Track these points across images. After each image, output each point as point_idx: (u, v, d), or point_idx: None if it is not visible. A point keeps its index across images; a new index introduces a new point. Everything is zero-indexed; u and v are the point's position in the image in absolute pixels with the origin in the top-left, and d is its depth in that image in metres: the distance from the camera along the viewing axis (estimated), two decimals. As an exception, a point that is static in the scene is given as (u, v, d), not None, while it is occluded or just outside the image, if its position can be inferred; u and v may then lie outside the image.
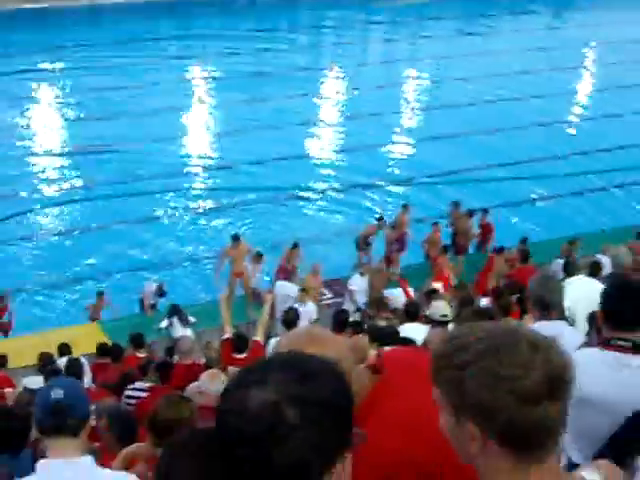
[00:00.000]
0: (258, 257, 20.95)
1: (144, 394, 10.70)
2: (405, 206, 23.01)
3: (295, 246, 21.23)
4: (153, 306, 20.33)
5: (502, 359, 2.33)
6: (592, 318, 7.31)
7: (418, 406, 2.95)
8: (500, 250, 20.21)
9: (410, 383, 2.99)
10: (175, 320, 18.11)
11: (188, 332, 17.21)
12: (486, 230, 23.12)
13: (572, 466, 3.82)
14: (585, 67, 40.54)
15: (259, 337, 12.07)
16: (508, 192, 26.64)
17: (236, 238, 20.89)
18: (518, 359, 2.32)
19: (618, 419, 4.29)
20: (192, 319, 18.37)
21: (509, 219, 24.95)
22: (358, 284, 19.84)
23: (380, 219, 22.79)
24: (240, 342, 12.05)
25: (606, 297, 4.88)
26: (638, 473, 2.51)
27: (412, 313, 12.28)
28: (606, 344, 4.75)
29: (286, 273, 20.71)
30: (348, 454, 2.17)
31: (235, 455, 2.10)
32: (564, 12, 50.17)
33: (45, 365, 13.89)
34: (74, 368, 12.31)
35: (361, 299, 19.65)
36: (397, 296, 18.64)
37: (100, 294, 20.03)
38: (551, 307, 6.51)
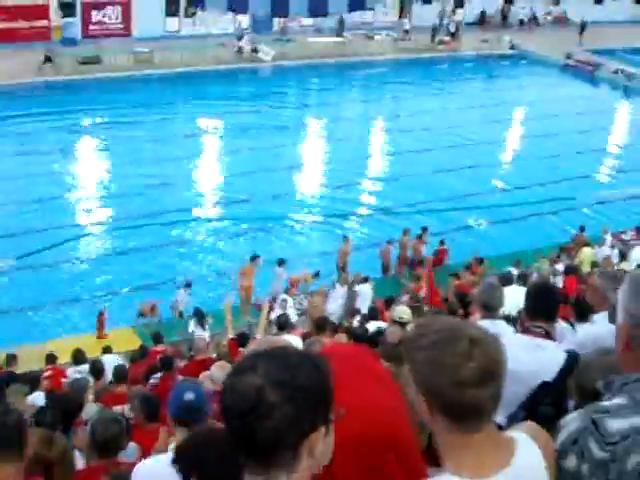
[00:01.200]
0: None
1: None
2: (405, 230, 23.60)
3: (316, 275, 21.69)
4: (180, 313, 20.33)
5: (446, 350, 2.36)
6: (519, 315, 7.44)
7: (365, 393, 2.97)
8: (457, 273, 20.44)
9: (352, 373, 3.00)
10: (195, 321, 18.06)
11: (205, 334, 17.23)
12: (441, 254, 23.28)
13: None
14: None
15: (259, 335, 12.07)
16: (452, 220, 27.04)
17: (255, 257, 20.96)
18: (458, 350, 2.35)
19: (530, 388, 4.39)
20: (209, 320, 18.31)
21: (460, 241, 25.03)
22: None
23: (346, 237, 22.86)
24: (243, 339, 12.07)
25: (526, 296, 5.06)
26: (563, 431, 2.55)
27: (372, 315, 12.82)
28: (524, 330, 4.88)
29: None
30: (325, 427, 2.22)
31: (228, 427, 2.18)
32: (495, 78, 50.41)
33: (77, 361, 14.11)
34: (121, 371, 12.24)
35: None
36: (366, 292, 19.08)
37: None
38: (493, 309, 6.58)
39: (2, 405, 7.95)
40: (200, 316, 17.97)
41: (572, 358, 4.53)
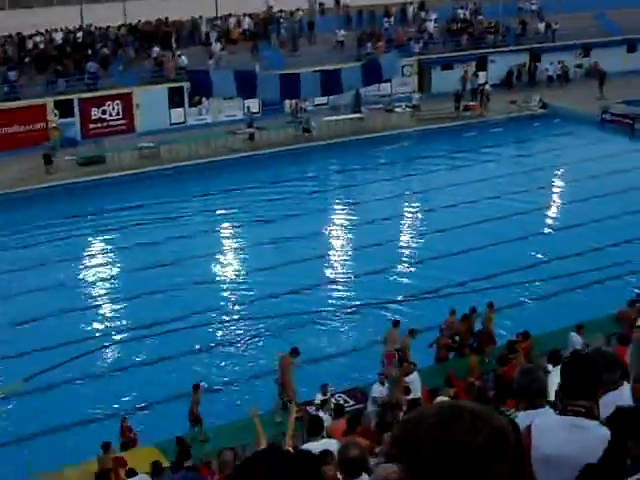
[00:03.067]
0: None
1: None
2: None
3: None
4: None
5: (450, 428, 2.30)
6: (556, 394, 7.23)
7: None
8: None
9: None
10: None
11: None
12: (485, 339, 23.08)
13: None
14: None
15: (288, 443, 11.65)
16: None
17: (294, 351, 20.66)
18: (463, 426, 2.29)
19: (573, 473, 4.28)
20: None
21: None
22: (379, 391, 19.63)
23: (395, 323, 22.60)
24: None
25: (561, 372, 4.92)
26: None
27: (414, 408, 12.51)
28: (563, 411, 4.74)
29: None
30: None
31: None
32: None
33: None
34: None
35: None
36: (415, 382, 18.94)
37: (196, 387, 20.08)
38: (534, 396, 6.35)
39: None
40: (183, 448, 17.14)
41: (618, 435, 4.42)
